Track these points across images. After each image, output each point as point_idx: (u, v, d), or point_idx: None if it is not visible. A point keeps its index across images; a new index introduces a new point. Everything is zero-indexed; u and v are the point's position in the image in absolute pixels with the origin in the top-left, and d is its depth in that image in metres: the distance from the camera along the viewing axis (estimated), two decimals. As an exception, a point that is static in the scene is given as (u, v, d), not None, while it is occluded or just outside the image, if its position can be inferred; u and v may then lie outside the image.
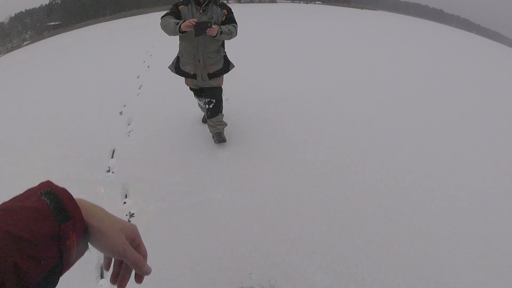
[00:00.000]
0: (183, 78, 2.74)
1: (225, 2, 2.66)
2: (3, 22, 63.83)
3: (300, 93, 3.88)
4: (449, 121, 3.26)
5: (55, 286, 0.42)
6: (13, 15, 68.67)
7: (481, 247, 1.91)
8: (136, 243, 0.51)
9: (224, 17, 2.43)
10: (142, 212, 2.31)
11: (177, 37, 2.45)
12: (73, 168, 2.78)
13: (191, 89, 2.88)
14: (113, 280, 0.52)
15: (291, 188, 2.45)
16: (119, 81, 4.63)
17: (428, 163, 2.62)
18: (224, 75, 2.71)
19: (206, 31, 2.20)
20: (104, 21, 28.25)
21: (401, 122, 3.29)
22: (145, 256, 0.52)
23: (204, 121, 3.26)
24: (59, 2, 57.37)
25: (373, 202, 2.29)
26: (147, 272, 0.51)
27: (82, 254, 0.46)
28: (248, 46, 5.44)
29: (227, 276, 1.85)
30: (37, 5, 67.83)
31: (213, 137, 2.93)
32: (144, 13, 30.25)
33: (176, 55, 2.66)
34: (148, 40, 9.20)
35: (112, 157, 2.92)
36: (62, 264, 0.41)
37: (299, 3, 46.58)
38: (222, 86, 2.75)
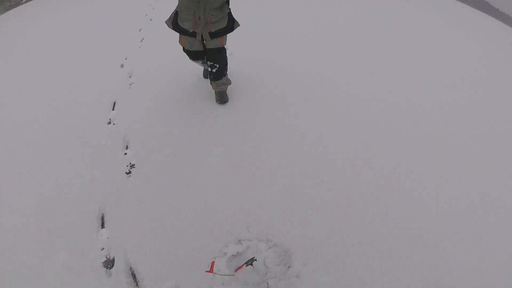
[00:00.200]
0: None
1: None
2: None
3: (311, 54, 3.69)
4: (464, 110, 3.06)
5: None
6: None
7: (483, 247, 1.85)
8: None
9: None
10: (143, 163, 2.30)
11: None
12: (74, 120, 2.73)
13: (185, 50, 2.57)
14: None
15: (294, 145, 2.41)
16: (120, 34, 4.42)
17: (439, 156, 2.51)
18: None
19: None
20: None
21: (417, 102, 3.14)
22: None
23: (206, 76, 3.11)
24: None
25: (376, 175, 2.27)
26: None
27: None
28: (257, 3, 5.11)
29: (226, 228, 1.88)
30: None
31: (215, 94, 2.84)
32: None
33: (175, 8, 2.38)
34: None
35: (113, 109, 2.86)
36: None
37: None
38: (225, 46, 2.51)
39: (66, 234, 1.89)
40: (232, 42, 2.95)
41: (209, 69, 2.56)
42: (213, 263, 1.63)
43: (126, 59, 3.69)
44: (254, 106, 2.81)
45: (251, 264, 1.67)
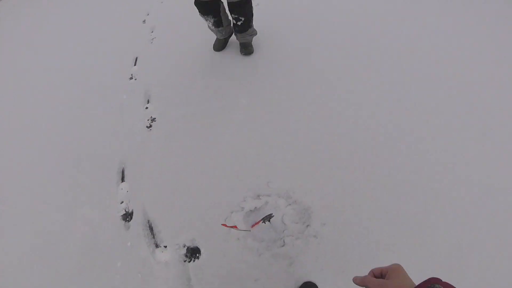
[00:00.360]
0: None
1: None
2: None
3: (348, 8, 3.28)
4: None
5: None
6: None
7: (489, 246, 1.59)
8: None
9: None
10: (164, 117, 2.26)
11: None
12: (97, 76, 2.73)
13: (196, 2, 2.21)
14: None
15: (321, 102, 2.21)
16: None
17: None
18: None
19: None
20: None
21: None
22: None
23: (217, 48, 2.74)
24: None
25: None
26: None
27: None
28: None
29: (245, 182, 1.81)
30: None
31: (240, 45, 2.65)
32: None
33: None
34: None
35: (135, 65, 2.80)
36: None
37: None
38: None
39: (88, 188, 1.95)
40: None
41: (233, 21, 2.36)
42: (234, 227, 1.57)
43: (148, 14, 3.56)
44: (281, 58, 2.59)
45: (269, 221, 1.61)
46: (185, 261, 1.61)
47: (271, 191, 1.74)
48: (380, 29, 2.87)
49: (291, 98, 2.26)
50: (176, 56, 2.78)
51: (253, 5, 2.33)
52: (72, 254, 1.69)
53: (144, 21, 3.45)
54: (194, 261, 1.60)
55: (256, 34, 2.58)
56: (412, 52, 2.59)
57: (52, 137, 2.28)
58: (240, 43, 2.63)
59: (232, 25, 2.48)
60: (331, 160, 1.87)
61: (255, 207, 1.69)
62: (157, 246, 1.68)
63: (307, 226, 1.59)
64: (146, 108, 2.36)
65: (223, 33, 2.56)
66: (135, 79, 2.64)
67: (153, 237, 1.71)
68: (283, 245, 1.56)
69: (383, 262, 0.77)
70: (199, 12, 2.31)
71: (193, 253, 1.63)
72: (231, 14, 2.31)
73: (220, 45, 2.72)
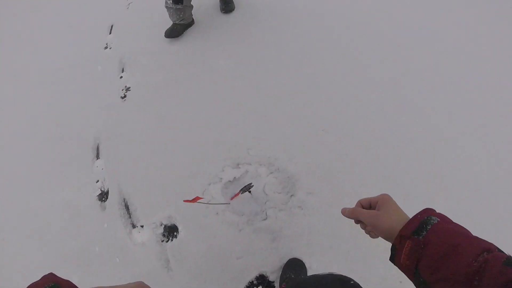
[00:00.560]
0: None
1: None
2: None
3: None
4: None
5: None
6: None
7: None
8: None
9: None
10: (139, 85, 2.06)
11: None
12: (71, 50, 2.52)
13: None
14: None
15: (305, 61, 1.93)
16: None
17: None
18: None
19: None
20: None
21: None
22: None
23: (168, 34, 2.24)
24: None
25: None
26: None
27: None
28: None
29: (223, 150, 1.61)
30: None
31: (220, 2, 2.35)
32: None
33: None
34: None
35: (110, 33, 2.57)
36: None
37: None
38: None
39: (63, 169, 1.81)
40: None
41: None
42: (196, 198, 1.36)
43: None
44: (264, 16, 2.30)
45: (249, 191, 1.42)
46: (162, 241, 1.48)
47: (251, 159, 1.53)
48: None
49: (274, 58, 1.99)
50: (152, 20, 2.51)
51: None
52: (52, 243, 1.59)
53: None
54: (172, 240, 1.47)
55: None
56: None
57: (28, 118, 2.15)
58: (220, 0, 2.32)
59: None
60: (318, 122, 1.62)
61: (234, 177, 1.50)
62: (133, 226, 1.55)
63: (291, 196, 1.39)
64: (121, 77, 2.16)
65: (181, 15, 2.12)
66: (110, 48, 2.42)
67: (130, 217, 1.58)
68: (265, 219, 1.38)
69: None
70: None
71: (170, 231, 1.49)
72: None
73: (172, 31, 2.22)
